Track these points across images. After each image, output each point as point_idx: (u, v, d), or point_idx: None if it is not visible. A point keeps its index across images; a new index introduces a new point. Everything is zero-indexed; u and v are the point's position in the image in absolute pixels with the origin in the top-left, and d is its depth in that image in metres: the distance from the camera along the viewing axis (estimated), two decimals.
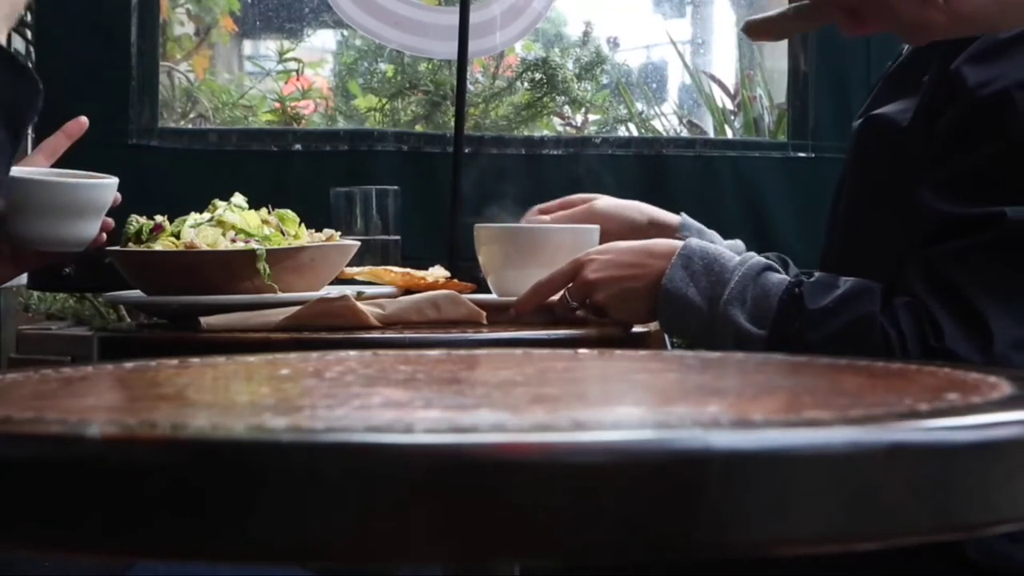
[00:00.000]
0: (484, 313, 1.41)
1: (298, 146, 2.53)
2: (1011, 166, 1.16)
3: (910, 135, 1.22)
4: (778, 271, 1.29)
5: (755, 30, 1.10)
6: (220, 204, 1.51)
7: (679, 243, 1.33)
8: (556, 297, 1.43)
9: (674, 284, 1.29)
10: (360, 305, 1.35)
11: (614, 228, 1.55)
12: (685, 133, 3.27)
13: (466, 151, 2.60)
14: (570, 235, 1.55)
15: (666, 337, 1.78)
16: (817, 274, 1.25)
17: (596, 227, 1.56)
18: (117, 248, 1.49)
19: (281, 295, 1.41)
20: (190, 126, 3.26)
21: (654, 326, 1.42)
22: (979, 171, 1.17)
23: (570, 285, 1.41)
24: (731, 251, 1.34)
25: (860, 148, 1.31)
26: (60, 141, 1.49)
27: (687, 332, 1.35)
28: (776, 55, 2.84)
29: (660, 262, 1.31)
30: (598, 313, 1.40)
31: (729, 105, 3.24)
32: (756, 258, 1.29)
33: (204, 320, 1.35)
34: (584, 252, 1.42)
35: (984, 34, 1.14)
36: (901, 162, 1.24)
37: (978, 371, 0.68)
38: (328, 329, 1.33)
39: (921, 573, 1.10)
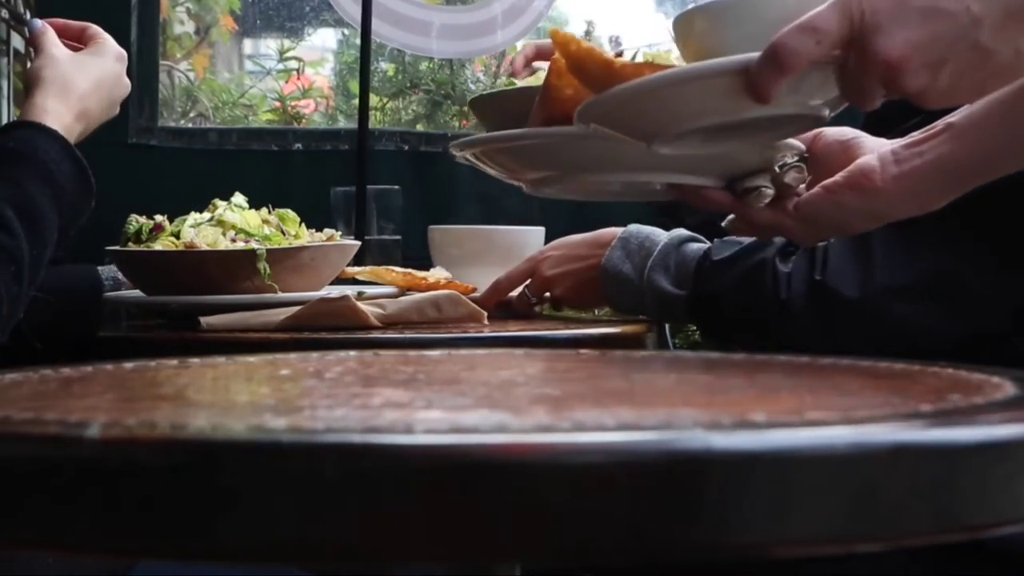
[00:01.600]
0: (485, 313, 1.42)
1: (298, 145, 2.53)
2: None
3: None
4: (702, 241, 1.38)
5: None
6: (220, 204, 1.51)
7: (621, 229, 1.44)
8: (515, 293, 1.55)
9: (612, 264, 1.41)
10: (360, 305, 1.35)
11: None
12: None
13: None
14: (520, 235, 1.70)
15: (668, 337, 1.79)
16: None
17: (541, 228, 1.71)
18: (117, 248, 1.49)
19: (281, 295, 1.41)
20: (190, 125, 3.25)
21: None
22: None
23: (528, 282, 1.53)
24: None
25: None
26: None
27: (625, 305, 1.44)
28: None
29: (606, 250, 1.43)
30: (556, 305, 1.53)
31: None
32: (681, 231, 1.39)
33: (204, 320, 1.35)
34: (538, 250, 1.55)
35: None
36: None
37: (981, 372, 0.68)
38: (328, 329, 1.33)
39: (939, 560, 1.09)
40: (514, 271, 1.54)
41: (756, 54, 0.81)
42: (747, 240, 1.28)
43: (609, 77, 0.90)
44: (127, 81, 1.38)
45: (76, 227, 1.23)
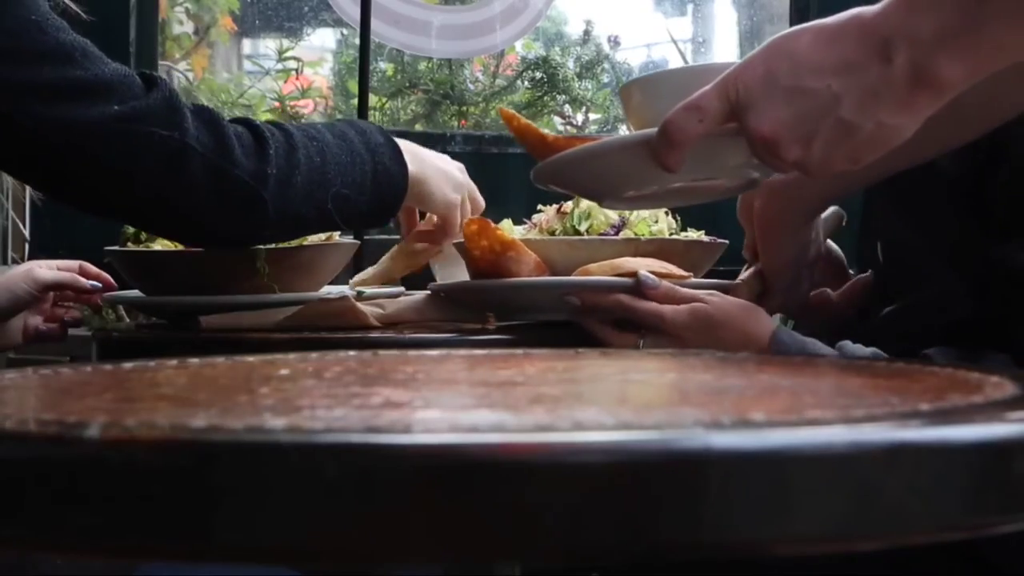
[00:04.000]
0: (489, 314, 1.40)
1: None
2: None
3: (956, 176, 1.20)
4: (882, 356, 1.19)
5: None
6: None
7: (767, 333, 1.24)
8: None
9: None
10: (360, 305, 1.35)
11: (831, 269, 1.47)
12: None
13: (467, 150, 2.60)
14: None
15: None
16: (933, 353, 1.16)
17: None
18: (116, 248, 1.49)
19: (281, 295, 1.40)
20: None
21: None
22: None
23: (646, 336, 1.29)
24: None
25: (894, 180, 1.28)
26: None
27: None
28: None
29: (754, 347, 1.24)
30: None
31: None
32: (856, 346, 1.20)
33: (204, 319, 1.35)
34: (673, 312, 1.27)
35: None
36: (948, 201, 1.22)
37: (980, 371, 0.68)
38: (328, 329, 1.33)
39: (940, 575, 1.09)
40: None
41: (655, 129, 0.90)
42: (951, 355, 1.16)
43: (544, 148, 1.04)
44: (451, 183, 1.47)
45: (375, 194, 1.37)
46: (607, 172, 0.96)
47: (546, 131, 1.09)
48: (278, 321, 1.35)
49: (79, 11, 1.42)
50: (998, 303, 1.16)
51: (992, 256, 1.16)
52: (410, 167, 1.39)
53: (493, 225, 1.35)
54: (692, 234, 1.44)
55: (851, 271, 1.45)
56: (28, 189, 3.23)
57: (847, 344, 1.22)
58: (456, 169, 1.48)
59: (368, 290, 1.49)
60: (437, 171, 1.44)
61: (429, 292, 1.45)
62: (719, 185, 1.02)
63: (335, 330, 1.34)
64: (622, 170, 0.94)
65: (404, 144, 1.41)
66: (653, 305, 1.26)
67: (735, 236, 1.43)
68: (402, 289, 1.55)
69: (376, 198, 1.36)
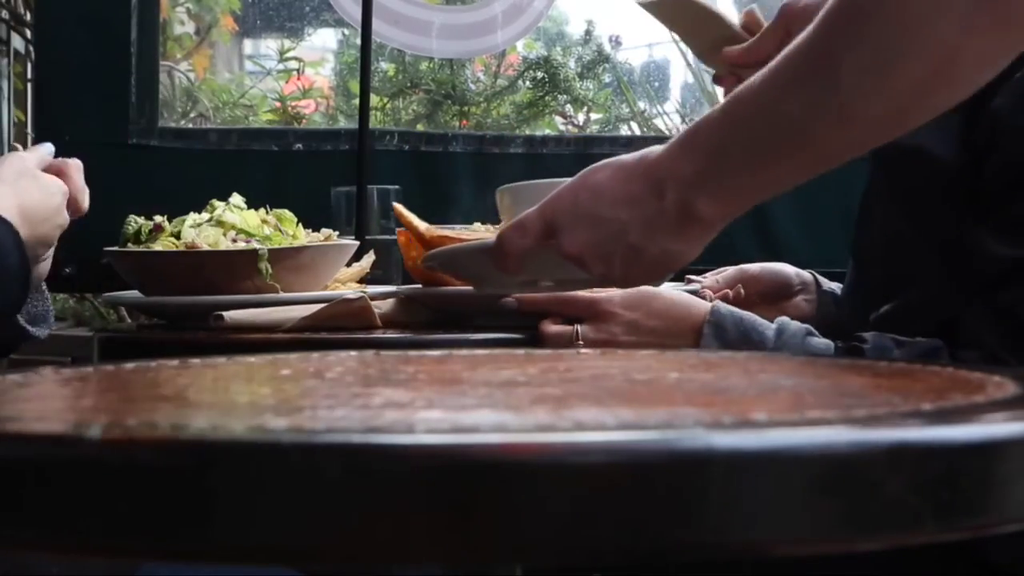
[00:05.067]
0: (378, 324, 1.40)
1: (299, 146, 2.53)
2: None
3: (953, 172, 1.19)
4: (815, 334, 1.23)
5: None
6: (218, 204, 1.51)
7: (705, 307, 1.28)
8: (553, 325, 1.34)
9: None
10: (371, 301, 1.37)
11: (769, 288, 1.56)
12: None
13: (468, 150, 2.60)
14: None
15: None
16: (870, 337, 1.18)
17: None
18: (116, 248, 1.49)
19: (282, 295, 1.41)
20: (190, 126, 3.25)
21: None
22: None
23: (583, 323, 1.32)
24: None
25: (892, 174, 1.28)
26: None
27: None
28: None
29: (688, 328, 1.27)
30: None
31: None
32: (795, 324, 1.25)
33: (227, 315, 1.34)
34: (607, 294, 1.31)
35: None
36: (944, 198, 1.21)
37: (982, 370, 0.68)
38: (328, 329, 1.34)
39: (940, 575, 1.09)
40: (573, 299, 1.31)
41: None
42: (891, 342, 1.17)
43: (423, 243, 1.34)
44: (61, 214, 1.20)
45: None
46: (474, 267, 1.12)
47: (423, 226, 1.36)
48: (297, 319, 1.35)
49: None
50: (981, 297, 1.16)
51: (987, 252, 1.16)
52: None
53: (422, 229, 1.41)
54: None
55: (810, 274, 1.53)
56: None
57: (786, 321, 1.25)
58: (48, 202, 1.19)
59: (370, 289, 1.50)
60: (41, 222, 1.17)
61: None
62: (570, 281, 1.12)
63: (335, 330, 1.34)
64: (485, 267, 1.06)
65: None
66: (586, 294, 1.31)
67: None
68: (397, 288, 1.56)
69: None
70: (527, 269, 1.04)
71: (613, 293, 1.30)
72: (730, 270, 1.60)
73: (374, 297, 1.43)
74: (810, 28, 0.84)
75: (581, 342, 1.32)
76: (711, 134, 0.91)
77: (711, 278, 1.59)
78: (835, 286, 1.54)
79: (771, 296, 1.54)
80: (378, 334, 1.32)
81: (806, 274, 1.58)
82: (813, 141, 0.87)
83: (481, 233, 1.42)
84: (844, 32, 0.83)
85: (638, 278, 1.00)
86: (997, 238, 1.15)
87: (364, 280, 1.60)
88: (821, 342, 1.21)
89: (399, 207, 1.42)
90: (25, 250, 1.12)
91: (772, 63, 0.86)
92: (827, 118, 0.84)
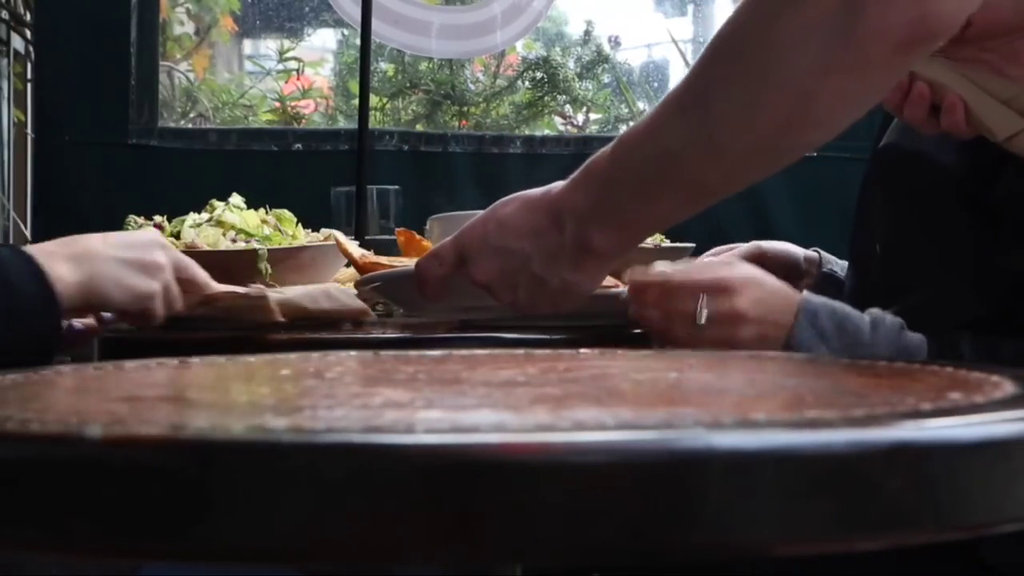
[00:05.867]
0: (368, 311, 1.39)
1: (298, 145, 2.54)
2: None
3: (959, 178, 1.19)
4: (906, 329, 1.16)
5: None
6: (218, 204, 1.51)
7: (797, 297, 1.18)
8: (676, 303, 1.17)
9: (803, 346, 1.14)
10: (270, 294, 1.33)
11: (780, 269, 1.49)
12: None
13: (468, 150, 2.60)
14: None
15: None
16: (968, 337, 1.14)
17: None
18: None
19: (282, 292, 1.40)
20: (190, 126, 3.26)
21: None
22: None
23: (705, 309, 1.16)
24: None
25: (892, 179, 1.26)
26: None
27: None
28: None
29: (786, 318, 1.16)
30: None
31: None
32: (889, 316, 1.17)
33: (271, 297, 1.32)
34: (738, 273, 1.19)
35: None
36: (950, 203, 1.20)
37: (981, 370, 0.68)
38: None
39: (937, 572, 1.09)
40: (695, 282, 1.16)
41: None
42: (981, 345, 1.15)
43: (357, 268, 1.37)
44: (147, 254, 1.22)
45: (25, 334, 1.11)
46: (402, 293, 1.19)
47: (357, 252, 1.40)
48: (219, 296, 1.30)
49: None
50: (999, 308, 1.16)
51: (997, 260, 1.15)
52: (70, 276, 1.15)
53: (418, 237, 1.45)
54: (656, 240, 1.45)
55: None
56: (30, 188, 3.23)
57: (879, 313, 1.16)
58: (151, 247, 1.23)
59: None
60: (113, 265, 1.20)
61: (322, 285, 1.42)
62: (485, 307, 1.15)
63: (333, 329, 1.34)
64: (412, 293, 1.12)
65: (69, 244, 1.18)
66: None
67: (700, 240, 1.44)
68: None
69: (16, 332, 1.11)
70: (451, 294, 1.09)
71: (725, 274, 1.18)
72: (745, 246, 1.57)
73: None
74: (693, 64, 0.88)
75: (704, 316, 1.15)
76: (604, 168, 0.94)
77: (726, 254, 1.55)
78: (838, 264, 1.53)
79: (781, 276, 1.50)
80: (379, 333, 1.32)
81: (812, 254, 1.57)
82: (690, 174, 0.90)
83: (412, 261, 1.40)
84: (716, 68, 0.86)
85: (544, 305, 1.04)
86: (1015, 247, 1.15)
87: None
88: (916, 337, 1.16)
89: (337, 234, 1.45)
90: (48, 282, 1.09)
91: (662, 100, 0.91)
92: (700, 151, 0.88)
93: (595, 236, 0.96)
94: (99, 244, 1.18)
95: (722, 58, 0.86)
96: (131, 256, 1.21)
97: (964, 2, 0.80)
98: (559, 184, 0.99)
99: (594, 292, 1.22)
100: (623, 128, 3.24)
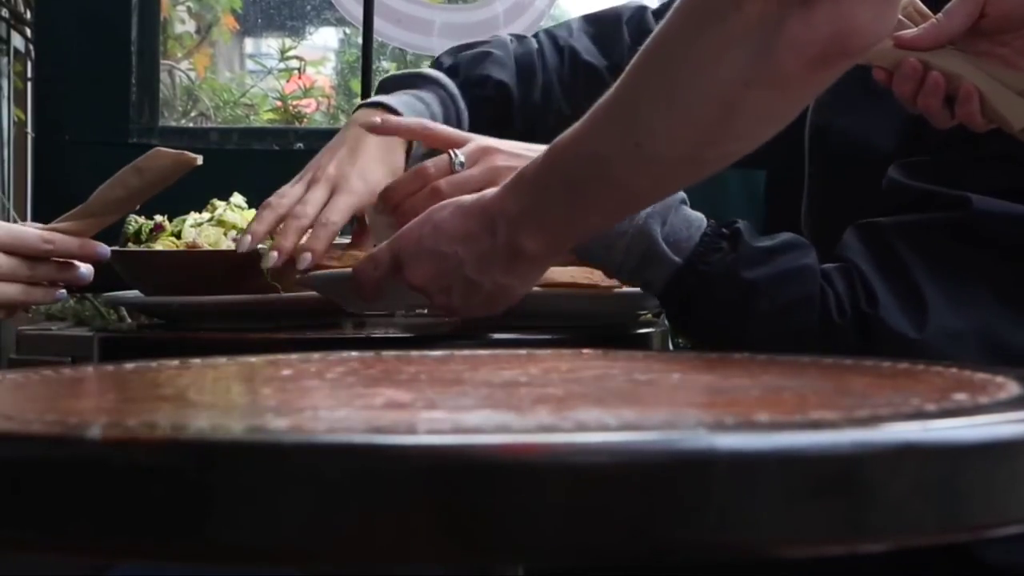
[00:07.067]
0: (196, 157, 1.30)
1: (300, 145, 2.53)
2: (989, 160, 1.12)
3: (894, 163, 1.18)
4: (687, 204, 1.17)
5: None
6: (219, 204, 1.51)
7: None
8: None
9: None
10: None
11: None
12: None
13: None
14: None
15: (668, 338, 1.78)
16: (742, 224, 1.14)
17: None
18: (117, 248, 1.49)
19: (284, 295, 1.40)
20: (191, 125, 3.26)
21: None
22: (955, 159, 1.11)
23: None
24: None
25: (834, 162, 1.25)
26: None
27: (594, 251, 1.15)
28: None
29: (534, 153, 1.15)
30: None
31: None
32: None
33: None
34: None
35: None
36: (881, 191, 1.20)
37: (985, 371, 0.68)
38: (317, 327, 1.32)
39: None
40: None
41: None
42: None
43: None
44: None
45: None
46: (342, 292, 1.21)
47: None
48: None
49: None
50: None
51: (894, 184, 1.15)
52: None
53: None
54: None
55: None
56: (30, 188, 3.23)
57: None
58: None
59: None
60: None
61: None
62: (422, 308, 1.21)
63: (331, 328, 1.34)
64: (351, 292, 1.15)
65: None
66: None
67: None
68: None
69: None
70: (388, 296, 1.12)
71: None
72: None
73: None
74: (623, 72, 0.88)
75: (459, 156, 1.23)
76: (536, 174, 0.95)
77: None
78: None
79: None
80: (383, 333, 1.32)
81: None
82: (619, 180, 0.91)
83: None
84: (644, 78, 0.87)
85: (478, 308, 1.06)
86: (906, 172, 1.13)
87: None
88: (694, 212, 1.14)
89: None
90: None
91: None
92: (628, 159, 0.88)
93: (526, 240, 0.97)
94: None
95: (650, 68, 0.87)
96: None
97: (882, 20, 0.80)
98: (493, 190, 1.01)
99: (590, 294, 1.26)
100: None
